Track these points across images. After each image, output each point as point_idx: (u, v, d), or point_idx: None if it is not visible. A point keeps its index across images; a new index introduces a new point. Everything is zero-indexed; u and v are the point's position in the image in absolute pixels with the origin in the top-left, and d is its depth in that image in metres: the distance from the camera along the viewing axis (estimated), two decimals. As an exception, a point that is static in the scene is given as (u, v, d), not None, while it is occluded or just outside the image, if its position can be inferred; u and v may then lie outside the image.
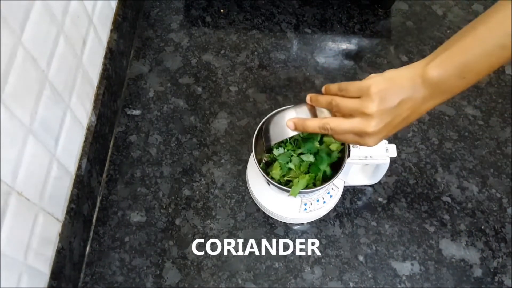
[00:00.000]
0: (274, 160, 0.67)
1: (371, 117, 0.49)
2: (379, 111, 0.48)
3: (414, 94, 0.48)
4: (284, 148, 0.66)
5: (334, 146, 0.66)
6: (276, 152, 0.66)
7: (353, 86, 0.51)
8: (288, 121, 0.55)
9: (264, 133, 0.60)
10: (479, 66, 0.46)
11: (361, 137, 0.51)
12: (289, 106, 0.59)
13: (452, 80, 0.47)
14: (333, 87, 0.54)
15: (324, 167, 0.64)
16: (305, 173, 0.65)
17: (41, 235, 0.57)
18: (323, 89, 0.56)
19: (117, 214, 0.73)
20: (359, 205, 0.75)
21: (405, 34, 0.93)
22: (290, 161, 0.66)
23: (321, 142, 0.67)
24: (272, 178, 0.65)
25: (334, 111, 0.53)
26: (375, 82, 0.49)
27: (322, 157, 0.65)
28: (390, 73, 0.50)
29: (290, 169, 0.65)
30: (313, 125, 0.53)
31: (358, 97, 0.50)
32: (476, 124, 0.82)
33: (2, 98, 0.47)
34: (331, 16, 0.94)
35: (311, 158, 0.65)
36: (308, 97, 0.56)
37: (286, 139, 0.67)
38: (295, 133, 0.56)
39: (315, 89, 0.84)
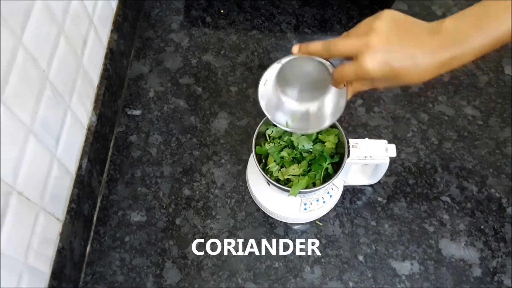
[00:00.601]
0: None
1: (375, 30, 0.46)
2: (386, 28, 0.46)
3: (426, 37, 0.46)
4: (274, 144, 0.68)
5: (329, 144, 0.66)
6: (267, 146, 0.67)
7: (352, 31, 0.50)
8: (294, 46, 0.54)
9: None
10: (498, 17, 0.44)
11: (360, 57, 0.47)
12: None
13: (468, 27, 0.45)
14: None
15: (326, 165, 0.65)
16: (307, 171, 0.66)
17: (42, 235, 0.57)
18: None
19: (117, 214, 0.73)
20: (358, 205, 0.75)
21: (405, 34, 0.93)
22: (282, 150, 0.67)
23: (315, 141, 0.68)
24: (270, 174, 0.66)
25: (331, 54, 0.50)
26: (389, 11, 0.48)
27: (324, 156, 0.66)
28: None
29: (283, 158, 0.66)
30: (316, 44, 0.52)
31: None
32: (475, 124, 0.82)
33: (3, 98, 0.47)
34: (331, 17, 0.95)
35: (307, 149, 0.66)
36: (295, 48, 0.54)
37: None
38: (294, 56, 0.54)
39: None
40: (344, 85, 0.53)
